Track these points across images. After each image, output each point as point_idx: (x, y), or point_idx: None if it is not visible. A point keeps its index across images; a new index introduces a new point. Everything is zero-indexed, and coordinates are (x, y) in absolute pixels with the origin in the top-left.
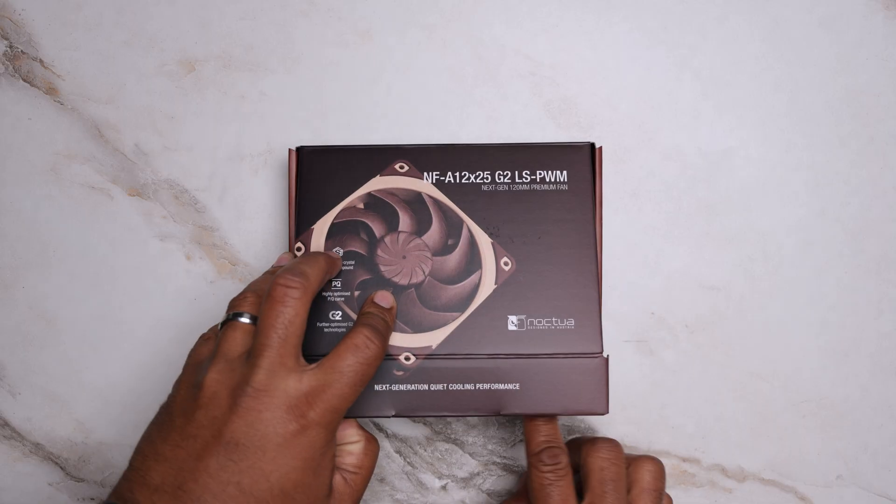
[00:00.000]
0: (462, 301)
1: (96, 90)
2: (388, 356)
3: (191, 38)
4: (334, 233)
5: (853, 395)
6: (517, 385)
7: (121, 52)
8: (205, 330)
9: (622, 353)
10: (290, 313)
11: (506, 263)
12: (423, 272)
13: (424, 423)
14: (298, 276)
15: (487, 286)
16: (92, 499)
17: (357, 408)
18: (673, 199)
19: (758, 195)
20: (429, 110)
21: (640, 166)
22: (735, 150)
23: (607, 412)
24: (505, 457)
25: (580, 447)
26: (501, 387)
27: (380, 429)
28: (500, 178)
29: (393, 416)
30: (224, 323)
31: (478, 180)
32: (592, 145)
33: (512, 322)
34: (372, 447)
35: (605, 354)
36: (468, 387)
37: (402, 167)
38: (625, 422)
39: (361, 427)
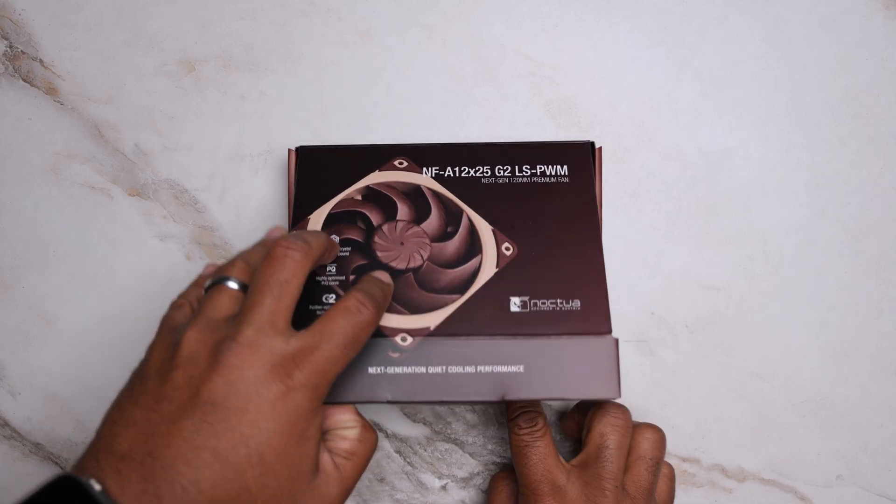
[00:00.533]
0: (462, 284)
1: (96, 90)
2: (383, 336)
3: (191, 38)
4: (331, 223)
5: (853, 395)
6: (521, 367)
7: (121, 52)
8: None
9: (622, 353)
10: (287, 273)
11: (507, 248)
12: (422, 257)
13: (424, 423)
14: (301, 241)
15: (488, 270)
16: None
17: (351, 392)
18: (673, 199)
19: (758, 195)
20: (429, 110)
21: (640, 166)
22: (735, 150)
23: (619, 396)
24: (505, 457)
25: (589, 408)
26: (504, 369)
27: (380, 428)
28: (499, 173)
29: (389, 402)
30: (209, 287)
31: (477, 174)
32: (592, 144)
33: (514, 303)
34: (368, 436)
35: (614, 335)
36: (469, 369)
37: (401, 163)
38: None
39: (359, 414)
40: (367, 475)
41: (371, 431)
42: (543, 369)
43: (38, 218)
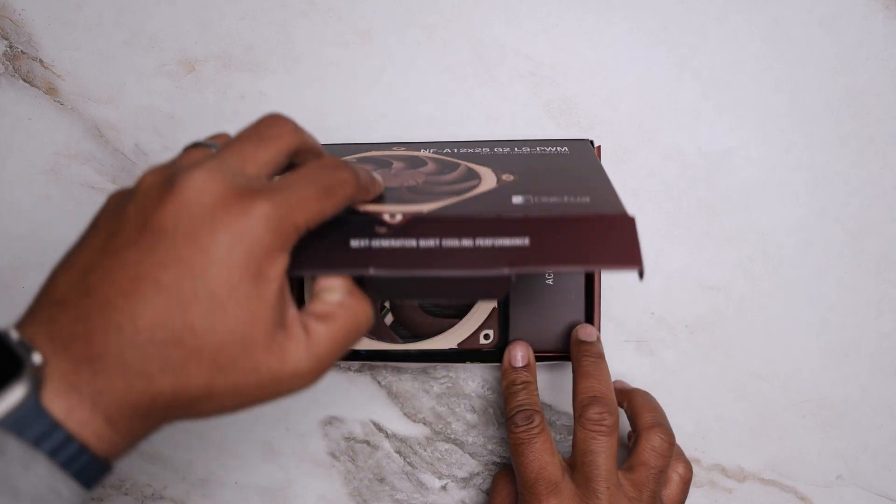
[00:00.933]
0: (460, 192)
1: (96, 90)
2: (366, 213)
3: (191, 38)
4: None
5: (853, 395)
6: (526, 240)
7: (121, 52)
8: None
9: (622, 353)
10: (274, 132)
11: (507, 177)
12: (416, 182)
13: (424, 423)
14: (295, 123)
15: (488, 185)
16: (92, 499)
17: (329, 263)
18: (673, 199)
19: (758, 195)
20: (429, 110)
21: (640, 166)
22: (735, 150)
23: (642, 269)
24: (505, 457)
25: (575, 380)
26: (507, 242)
27: (380, 428)
28: (498, 150)
29: (372, 275)
30: (187, 148)
31: (475, 151)
32: (591, 142)
33: (517, 199)
34: (354, 303)
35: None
36: (466, 242)
37: (398, 148)
38: (624, 422)
39: (353, 282)
40: (367, 475)
41: (360, 300)
42: (552, 241)
43: (38, 218)
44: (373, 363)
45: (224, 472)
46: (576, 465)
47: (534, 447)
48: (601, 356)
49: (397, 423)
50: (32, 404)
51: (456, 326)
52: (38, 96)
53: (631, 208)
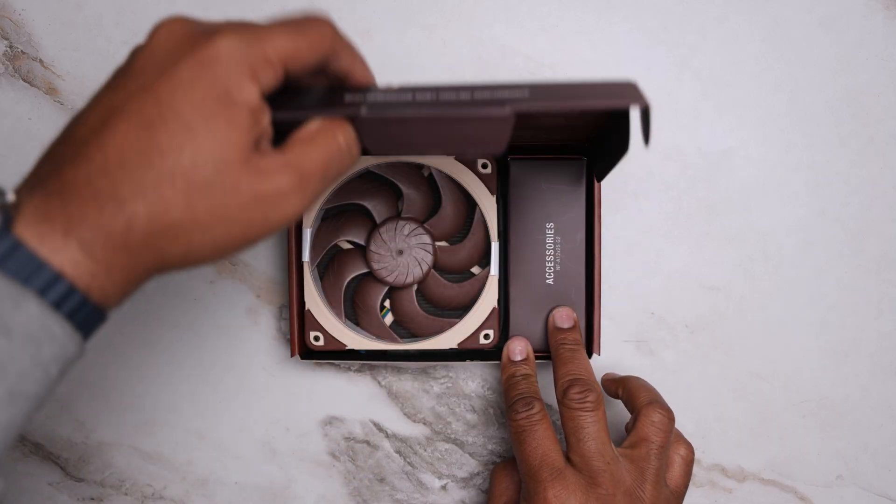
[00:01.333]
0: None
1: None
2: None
3: None
4: None
5: (853, 395)
6: (526, 91)
7: (121, 52)
8: (206, 330)
9: (622, 353)
10: (271, 26)
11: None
12: None
13: (424, 423)
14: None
15: None
16: (92, 499)
17: (319, 107)
18: (673, 199)
19: (758, 195)
20: None
21: (640, 166)
22: (735, 150)
23: (647, 106)
24: (505, 457)
25: (554, 372)
26: (507, 94)
27: (380, 428)
28: None
29: (364, 115)
30: None
31: None
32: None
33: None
34: (332, 125)
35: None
36: (464, 96)
37: None
38: (624, 422)
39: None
40: (367, 475)
41: (340, 123)
42: (553, 90)
43: None
44: (373, 363)
45: (224, 472)
46: (569, 449)
47: (536, 433)
48: (578, 343)
49: (397, 423)
50: (1, 234)
51: (456, 326)
52: (38, 96)
53: (631, 208)
